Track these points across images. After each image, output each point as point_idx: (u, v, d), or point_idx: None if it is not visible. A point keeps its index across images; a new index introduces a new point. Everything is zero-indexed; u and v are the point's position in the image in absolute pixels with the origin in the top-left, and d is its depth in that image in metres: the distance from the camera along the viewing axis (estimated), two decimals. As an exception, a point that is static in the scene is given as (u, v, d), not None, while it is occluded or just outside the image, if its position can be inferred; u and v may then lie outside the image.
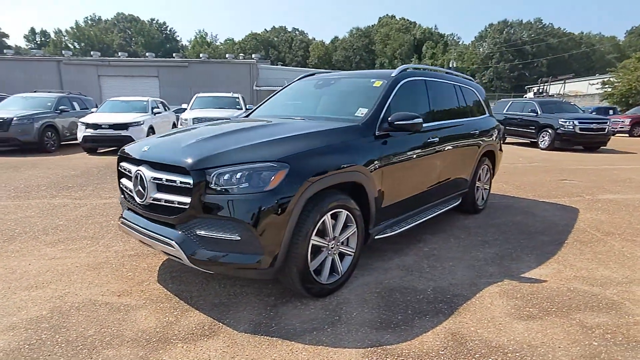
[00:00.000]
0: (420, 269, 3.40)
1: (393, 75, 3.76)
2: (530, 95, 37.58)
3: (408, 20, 75.68)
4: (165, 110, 14.00)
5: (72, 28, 74.50)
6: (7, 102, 12.34)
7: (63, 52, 33.38)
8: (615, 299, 2.89)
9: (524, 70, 62.96)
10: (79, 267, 3.33)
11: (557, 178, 7.86)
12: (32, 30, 76.22)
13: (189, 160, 2.45)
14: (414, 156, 3.62)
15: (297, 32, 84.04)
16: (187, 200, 2.44)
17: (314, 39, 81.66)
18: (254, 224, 2.37)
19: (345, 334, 2.40)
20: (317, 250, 2.77)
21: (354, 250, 3.04)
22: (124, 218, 2.97)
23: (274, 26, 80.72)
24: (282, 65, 48.12)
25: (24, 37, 78.67)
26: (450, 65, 48.25)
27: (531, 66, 62.88)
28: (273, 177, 2.42)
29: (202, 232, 2.45)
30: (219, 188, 2.39)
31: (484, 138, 4.95)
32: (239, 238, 2.40)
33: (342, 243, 2.98)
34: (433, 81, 4.22)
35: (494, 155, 5.38)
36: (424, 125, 3.86)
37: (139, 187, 2.69)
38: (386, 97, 3.49)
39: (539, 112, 13.77)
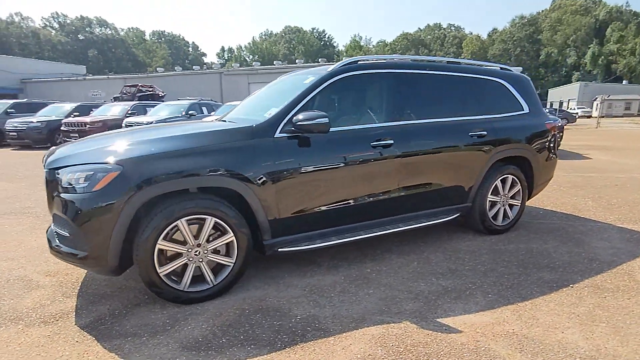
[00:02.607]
0: (329, 292, 2.94)
1: (329, 70, 3.32)
2: None
3: (590, -1, 63.61)
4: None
5: (249, 43, 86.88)
6: (157, 108, 15.17)
7: (233, 65, 39.19)
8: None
9: None
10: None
11: (694, 197, 5.63)
12: (222, 49, 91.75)
13: (47, 160, 2.69)
14: (341, 161, 3.14)
15: (452, 28, 79.76)
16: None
17: (471, 33, 76.17)
18: (77, 222, 2.46)
19: (153, 346, 2.28)
20: (176, 256, 2.69)
21: (232, 261, 2.83)
22: None
23: (428, 24, 78.36)
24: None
25: (216, 54, 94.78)
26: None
27: None
28: (102, 179, 2.46)
29: (56, 227, 2.66)
30: (63, 187, 2.55)
31: (500, 140, 3.92)
32: (68, 234, 2.52)
33: (217, 252, 2.82)
34: (402, 74, 3.54)
35: (529, 164, 4.19)
36: (368, 126, 3.37)
37: None
38: (304, 96, 3.11)
39: None
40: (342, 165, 3.15)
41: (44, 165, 2.72)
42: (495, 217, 4.10)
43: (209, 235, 2.76)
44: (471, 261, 3.46)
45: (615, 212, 4.97)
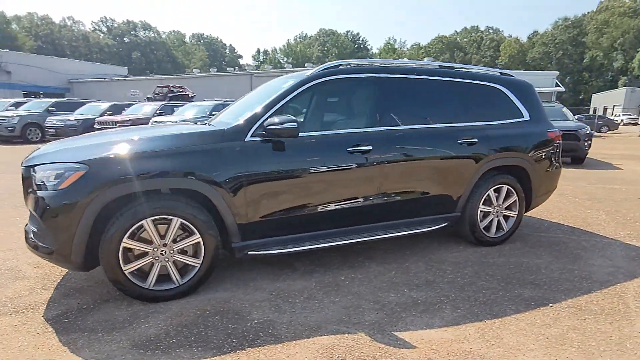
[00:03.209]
0: (295, 297, 2.91)
1: (308, 74, 3.29)
2: None
3: (640, 1, 59.90)
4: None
5: (284, 46, 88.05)
6: (183, 109, 15.61)
7: (266, 66, 39.70)
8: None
9: None
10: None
11: None
12: (258, 51, 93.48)
13: (25, 158, 2.82)
14: (315, 166, 3.10)
15: (490, 31, 77.42)
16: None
17: (510, 35, 73.64)
18: (44, 218, 2.56)
19: (105, 343, 2.34)
20: (141, 254, 2.75)
21: (199, 262, 2.86)
22: None
23: (465, 27, 76.45)
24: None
25: (252, 56, 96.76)
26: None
27: None
28: (69, 177, 2.55)
29: (30, 222, 2.78)
30: (37, 184, 2.65)
31: (493, 148, 3.75)
32: (36, 229, 2.63)
33: (185, 252, 2.85)
34: (385, 79, 3.45)
35: (527, 174, 3.98)
36: (345, 131, 3.33)
37: None
38: (278, 100, 3.10)
39: None
40: (315, 170, 3.11)
41: (21, 163, 2.85)
42: (488, 228, 3.92)
43: (177, 236, 2.80)
44: (452, 273, 3.33)
45: (628, 227, 4.64)
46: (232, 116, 3.38)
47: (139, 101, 22.32)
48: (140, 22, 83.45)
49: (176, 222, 2.74)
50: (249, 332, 2.45)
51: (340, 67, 3.40)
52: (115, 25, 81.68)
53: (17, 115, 15.67)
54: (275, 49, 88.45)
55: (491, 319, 2.62)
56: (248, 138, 2.95)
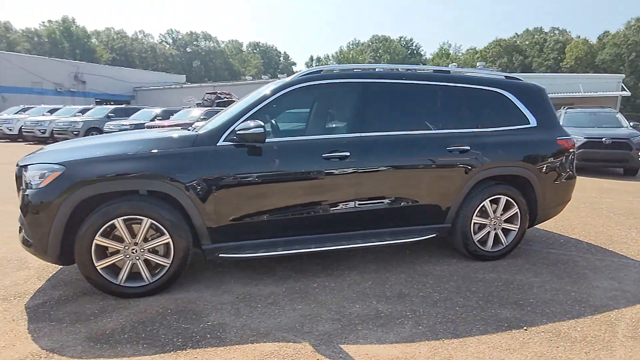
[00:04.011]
0: (260, 302, 2.91)
1: (287, 79, 3.30)
2: None
3: None
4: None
5: (336, 53, 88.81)
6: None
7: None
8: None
9: None
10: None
11: None
12: (311, 58, 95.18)
13: (21, 158, 3.08)
14: (287, 172, 3.09)
15: (555, 32, 72.61)
16: None
17: (578, 36, 68.56)
18: (26, 213, 2.78)
19: (65, 333, 2.48)
20: (114, 252, 2.89)
21: (169, 262, 2.95)
22: None
23: (527, 29, 72.32)
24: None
25: (305, 63, 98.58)
26: None
27: None
28: (48, 177, 2.75)
29: (20, 219, 3.03)
30: (26, 182, 2.89)
31: (488, 156, 3.52)
32: (21, 224, 2.86)
33: (156, 251, 2.96)
34: (368, 84, 3.36)
35: (530, 185, 3.69)
36: (321, 137, 3.32)
37: None
38: (253, 106, 3.13)
39: None
40: (287, 176, 3.11)
41: (17, 163, 3.13)
42: (484, 241, 3.68)
43: (148, 236, 2.92)
44: (431, 287, 3.16)
45: (659, 248, 4.13)
46: (215, 121, 3.46)
47: (190, 107, 23.55)
48: (201, 33, 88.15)
49: (146, 222, 2.86)
50: (198, 333, 2.49)
51: (323, 72, 3.38)
52: (180, 36, 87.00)
53: (82, 121, 17.20)
54: (328, 56, 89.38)
55: (451, 338, 2.45)
56: (220, 143, 3.02)
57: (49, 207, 2.72)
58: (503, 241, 3.72)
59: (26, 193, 2.80)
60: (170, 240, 2.92)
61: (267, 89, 3.32)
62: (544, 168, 3.72)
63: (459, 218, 3.56)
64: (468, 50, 72.88)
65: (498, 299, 2.96)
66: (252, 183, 3.04)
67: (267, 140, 3.05)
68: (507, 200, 3.64)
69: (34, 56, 40.85)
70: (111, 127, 16.28)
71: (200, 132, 3.10)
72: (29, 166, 2.92)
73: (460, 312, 2.77)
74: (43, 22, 70.50)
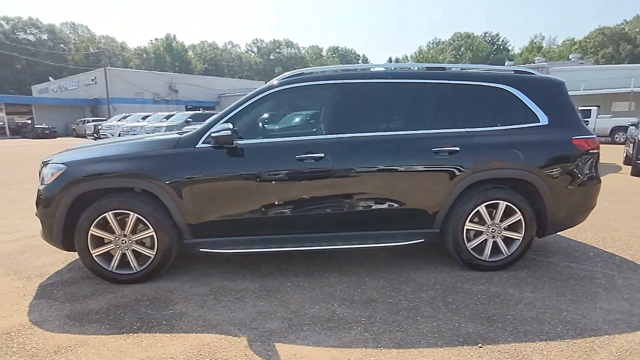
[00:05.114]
0: (229, 296, 3.04)
1: (269, 83, 3.39)
2: None
3: None
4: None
5: (415, 53, 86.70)
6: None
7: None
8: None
9: None
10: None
11: None
12: (389, 59, 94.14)
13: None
14: (262, 173, 3.18)
15: (679, 15, 62.24)
16: None
17: None
18: (38, 206, 3.24)
19: (54, 309, 2.85)
20: (108, 242, 3.25)
21: (153, 253, 3.23)
22: None
23: (637, 15, 63.21)
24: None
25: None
26: None
27: None
28: (54, 174, 3.19)
29: (40, 210, 3.54)
30: (42, 178, 3.38)
31: (481, 158, 3.25)
32: (35, 215, 3.34)
33: (143, 243, 3.26)
34: (348, 85, 3.31)
35: (536, 190, 3.31)
36: (296, 139, 3.39)
37: None
38: (232, 109, 3.29)
39: None
40: (261, 176, 3.20)
41: (41, 162, 3.65)
42: (480, 250, 3.39)
43: (137, 229, 3.23)
44: (404, 295, 3.01)
45: None
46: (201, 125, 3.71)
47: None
48: (284, 40, 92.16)
49: (133, 216, 3.17)
50: (157, 320, 2.70)
51: (304, 75, 3.42)
52: (264, 45, 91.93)
53: (165, 126, 19.09)
54: (406, 57, 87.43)
55: (391, 348, 2.33)
56: (199, 145, 3.22)
57: (53, 200, 3.15)
58: (504, 251, 3.39)
59: (39, 188, 3.28)
60: (154, 233, 3.19)
61: (250, 93, 3.45)
62: (554, 171, 3.32)
63: (449, 223, 3.33)
64: (564, 42, 65.92)
65: (471, 313, 2.73)
66: (229, 182, 3.19)
67: (244, 142, 3.19)
68: (507, 205, 3.31)
69: (136, 70, 46.36)
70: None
71: (183, 135, 3.33)
72: (47, 165, 3.41)
73: (420, 322, 2.62)
74: (150, 40, 79.68)
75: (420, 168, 3.26)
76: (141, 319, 2.71)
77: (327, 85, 3.36)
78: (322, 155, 3.18)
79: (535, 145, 3.33)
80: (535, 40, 71.49)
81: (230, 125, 3.07)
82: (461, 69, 3.57)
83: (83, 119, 33.85)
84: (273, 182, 3.21)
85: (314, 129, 3.42)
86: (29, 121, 35.94)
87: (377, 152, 3.26)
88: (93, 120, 30.52)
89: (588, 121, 17.64)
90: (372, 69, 3.65)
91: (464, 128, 3.32)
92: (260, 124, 3.59)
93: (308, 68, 3.55)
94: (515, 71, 3.60)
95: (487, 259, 3.39)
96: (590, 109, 18.40)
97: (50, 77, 46.68)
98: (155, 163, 3.18)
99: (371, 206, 3.30)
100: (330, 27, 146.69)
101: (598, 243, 4.12)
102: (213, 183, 3.18)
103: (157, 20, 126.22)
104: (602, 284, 3.16)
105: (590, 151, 3.38)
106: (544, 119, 3.39)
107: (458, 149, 3.24)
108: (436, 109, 3.35)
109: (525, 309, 2.76)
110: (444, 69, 3.54)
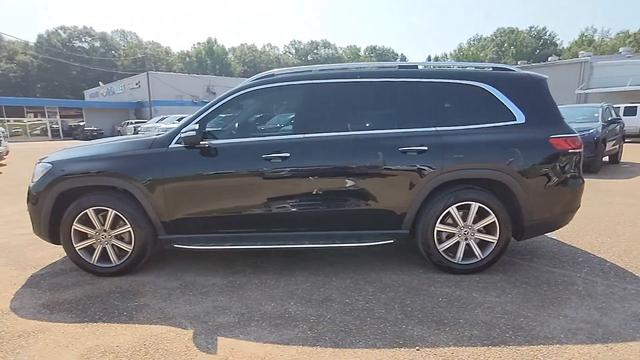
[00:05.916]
0: (194, 290, 3.16)
1: (240, 84, 3.47)
2: None
3: None
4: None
5: (454, 50, 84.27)
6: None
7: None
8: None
9: None
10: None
11: None
12: (428, 57, 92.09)
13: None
14: (229, 172, 3.27)
15: None
16: None
17: None
18: (27, 202, 3.51)
19: (35, 298, 3.08)
20: (90, 237, 3.46)
21: (130, 248, 3.40)
22: None
23: None
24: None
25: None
26: None
27: None
28: (41, 172, 3.44)
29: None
30: (32, 176, 3.65)
31: (451, 157, 3.16)
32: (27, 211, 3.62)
33: (121, 238, 3.44)
34: (318, 85, 3.32)
35: (510, 190, 3.17)
36: (263, 139, 3.45)
37: None
38: (204, 111, 3.40)
39: None
40: (229, 175, 3.29)
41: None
42: (453, 252, 3.30)
43: (117, 225, 3.42)
44: (363, 296, 2.99)
45: None
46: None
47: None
48: (321, 41, 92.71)
49: (111, 213, 3.36)
50: (119, 310, 2.86)
51: (275, 75, 3.48)
52: (302, 46, 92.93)
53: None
54: (446, 55, 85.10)
55: (327, 347, 2.34)
56: (172, 145, 3.36)
57: (39, 197, 3.39)
58: (477, 254, 3.28)
59: (29, 185, 3.55)
60: (130, 229, 3.37)
61: (222, 94, 3.55)
62: (529, 171, 3.17)
63: (418, 224, 3.27)
64: (618, 34, 61.54)
65: (423, 315, 2.67)
66: (198, 182, 3.31)
67: (214, 142, 3.30)
68: (480, 207, 3.20)
69: (176, 74, 48.25)
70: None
71: (159, 135, 3.48)
72: (38, 164, 3.68)
73: (367, 323, 2.60)
74: (193, 45, 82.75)
75: (387, 168, 3.21)
76: (105, 309, 2.88)
77: (296, 85, 3.40)
78: (288, 155, 3.22)
79: (509, 144, 3.19)
80: (586, 34, 67.29)
81: (196, 126, 3.18)
82: (433, 67, 3.49)
83: (126, 121, 35.78)
84: (241, 181, 3.29)
85: (283, 129, 3.46)
86: (81, 123, 38.46)
87: (341, 152, 3.25)
88: (134, 122, 32.16)
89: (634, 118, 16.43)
90: (343, 69, 3.63)
91: (434, 127, 3.24)
92: (234, 124, 3.68)
93: (280, 69, 3.60)
94: (494, 68, 3.47)
95: (459, 262, 3.29)
96: (637, 106, 17.10)
97: (100, 82, 49.68)
98: (131, 163, 3.35)
99: (337, 206, 3.29)
100: (369, 27, 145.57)
101: (593, 248, 3.87)
102: (184, 182, 3.31)
103: (200, 25, 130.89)
104: (578, 290, 2.98)
105: (570, 150, 3.20)
106: (520, 117, 3.24)
107: (426, 148, 3.17)
108: (405, 108, 3.30)
109: (481, 314, 2.67)
110: (416, 67, 3.47)
